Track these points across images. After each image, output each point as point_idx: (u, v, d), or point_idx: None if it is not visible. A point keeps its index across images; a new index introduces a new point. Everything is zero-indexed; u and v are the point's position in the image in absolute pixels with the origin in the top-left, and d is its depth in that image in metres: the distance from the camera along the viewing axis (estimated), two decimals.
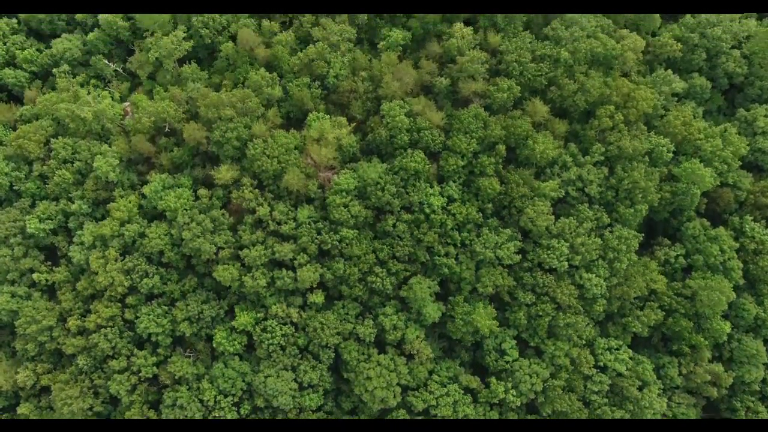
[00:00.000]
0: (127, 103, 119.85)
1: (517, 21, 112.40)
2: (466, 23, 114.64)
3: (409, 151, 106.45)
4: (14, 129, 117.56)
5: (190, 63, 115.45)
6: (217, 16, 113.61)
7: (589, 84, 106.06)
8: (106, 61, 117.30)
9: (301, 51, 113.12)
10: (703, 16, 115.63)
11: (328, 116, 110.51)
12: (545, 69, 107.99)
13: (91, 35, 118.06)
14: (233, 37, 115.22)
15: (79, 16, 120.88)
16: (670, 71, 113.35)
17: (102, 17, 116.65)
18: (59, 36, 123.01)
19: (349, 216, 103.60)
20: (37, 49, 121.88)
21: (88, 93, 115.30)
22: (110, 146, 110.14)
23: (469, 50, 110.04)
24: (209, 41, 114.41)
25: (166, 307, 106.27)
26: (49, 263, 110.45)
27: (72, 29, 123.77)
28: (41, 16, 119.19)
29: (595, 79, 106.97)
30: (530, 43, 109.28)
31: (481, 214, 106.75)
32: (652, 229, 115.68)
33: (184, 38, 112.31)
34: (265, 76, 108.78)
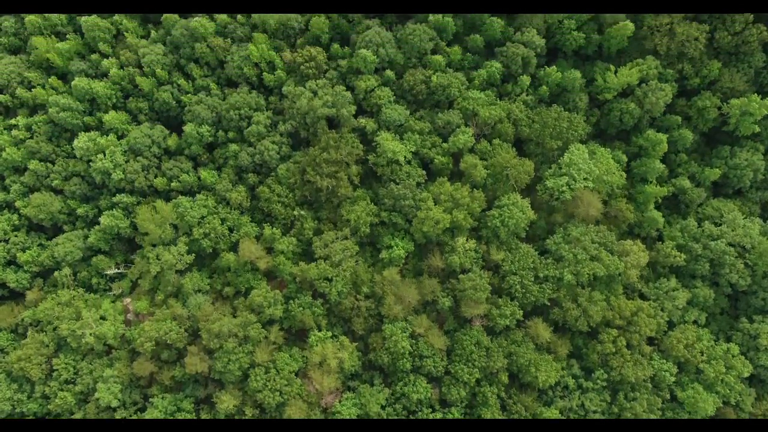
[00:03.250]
0: (128, 300, 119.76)
1: (520, 229, 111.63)
2: (472, 230, 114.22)
3: (412, 377, 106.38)
4: (15, 331, 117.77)
5: (191, 270, 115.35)
6: (218, 225, 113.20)
7: (591, 310, 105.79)
8: (107, 271, 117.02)
9: (303, 261, 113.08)
10: (707, 224, 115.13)
11: (329, 333, 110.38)
12: (548, 291, 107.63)
13: (92, 236, 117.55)
14: (236, 244, 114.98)
15: (80, 210, 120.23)
16: (673, 282, 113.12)
17: (103, 218, 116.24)
18: (60, 227, 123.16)
19: None
20: (39, 244, 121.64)
21: (92, 295, 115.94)
22: (112, 365, 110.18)
23: (472, 264, 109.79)
24: (210, 250, 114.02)
25: None
26: None
27: (73, 220, 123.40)
28: (42, 215, 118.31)
29: (598, 304, 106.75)
30: (533, 262, 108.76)
31: None
32: None
33: (186, 251, 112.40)
34: (267, 296, 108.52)
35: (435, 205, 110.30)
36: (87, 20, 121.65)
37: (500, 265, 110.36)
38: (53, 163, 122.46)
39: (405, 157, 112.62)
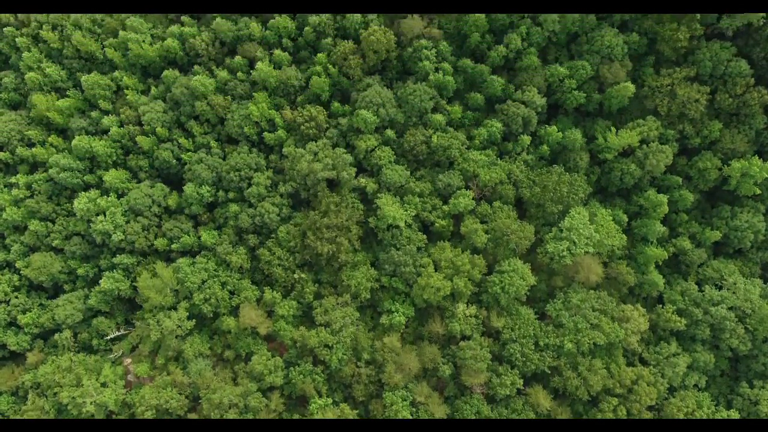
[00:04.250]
0: (129, 360, 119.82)
1: (520, 295, 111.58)
2: (473, 296, 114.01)
3: None
4: (16, 394, 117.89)
5: (192, 333, 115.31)
6: (218, 290, 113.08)
7: (592, 379, 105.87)
8: (108, 335, 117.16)
9: (304, 325, 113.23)
10: (707, 288, 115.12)
11: (330, 399, 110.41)
12: (548, 359, 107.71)
13: (92, 298, 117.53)
14: (236, 307, 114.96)
15: (80, 271, 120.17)
16: (674, 346, 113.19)
17: (103, 281, 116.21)
18: (60, 286, 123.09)
19: None
20: (40, 305, 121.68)
21: (92, 356, 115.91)
22: None
23: (472, 331, 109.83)
24: (210, 315, 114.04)
25: None
26: None
27: (74, 279, 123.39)
28: (43, 277, 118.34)
29: (598, 373, 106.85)
30: (533, 330, 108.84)
31: None
32: None
33: (187, 317, 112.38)
34: (268, 364, 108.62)
35: (435, 271, 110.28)
36: (87, 78, 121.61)
37: (501, 332, 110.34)
38: (53, 222, 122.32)
39: (405, 221, 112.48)
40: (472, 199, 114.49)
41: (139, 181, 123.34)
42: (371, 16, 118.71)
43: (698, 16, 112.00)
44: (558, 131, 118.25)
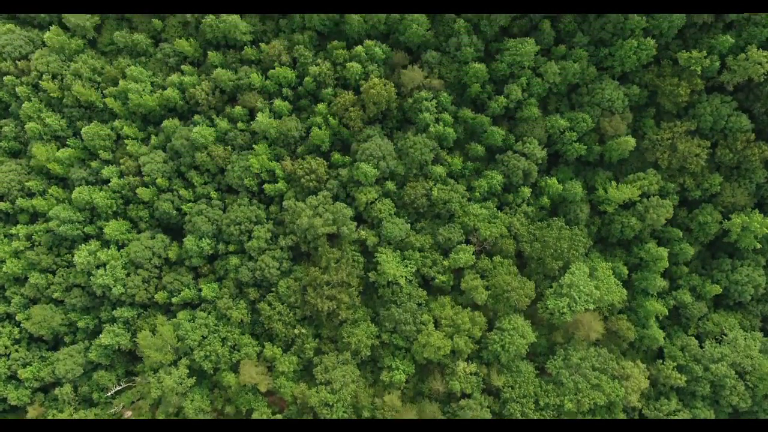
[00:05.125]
0: (129, 413, 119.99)
1: (521, 353, 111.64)
2: (474, 352, 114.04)
3: None
4: None
5: (192, 389, 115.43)
6: (218, 347, 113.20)
7: None
8: (109, 390, 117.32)
9: (304, 381, 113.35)
10: (708, 344, 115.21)
11: None
12: (548, 418, 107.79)
13: (92, 352, 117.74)
14: (237, 363, 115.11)
15: (80, 324, 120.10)
16: (674, 403, 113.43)
17: (103, 336, 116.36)
18: (60, 338, 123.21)
19: None
20: (40, 357, 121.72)
21: (93, 410, 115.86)
22: None
23: (473, 389, 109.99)
24: (211, 372, 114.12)
25: None
26: None
27: (74, 331, 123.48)
28: (43, 330, 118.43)
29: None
30: (533, 389, 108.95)
31: None
32: None
33: (187, 374, 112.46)
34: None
35: (436, 328, 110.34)
36: (87, 129, 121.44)
37: (501, 390, 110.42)
38: (54, 274, 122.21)
39: (405, 278, 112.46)
40: (473, 253, 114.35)
41: (140, 231, 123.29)
42: (371, 67, 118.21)
43: (699, 70, 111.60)
44: (558, 183, 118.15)
